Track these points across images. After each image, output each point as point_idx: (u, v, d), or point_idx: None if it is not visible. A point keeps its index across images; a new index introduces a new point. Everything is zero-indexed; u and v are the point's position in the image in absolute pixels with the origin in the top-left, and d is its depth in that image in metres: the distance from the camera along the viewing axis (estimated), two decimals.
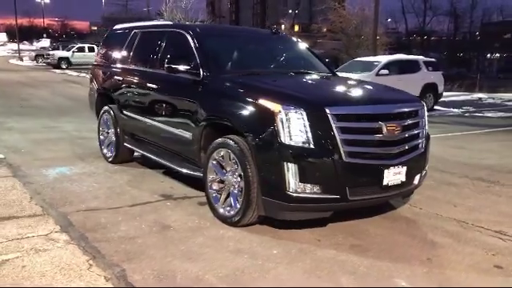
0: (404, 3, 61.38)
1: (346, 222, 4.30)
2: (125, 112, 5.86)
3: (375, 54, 17.53)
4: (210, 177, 4.38)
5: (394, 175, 3.90)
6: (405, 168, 3.98)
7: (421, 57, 15.31)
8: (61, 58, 32.54)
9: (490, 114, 14.16)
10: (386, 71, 12.94)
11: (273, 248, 3.74)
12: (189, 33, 4.99)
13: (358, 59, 15.49)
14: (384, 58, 14.24)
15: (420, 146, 4.20)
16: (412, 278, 3.29)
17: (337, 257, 3.62)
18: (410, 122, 4.08)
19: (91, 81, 7.01)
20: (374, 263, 3.52)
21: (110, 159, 6.24)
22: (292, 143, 3.65)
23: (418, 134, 4.19)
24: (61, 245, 3.66)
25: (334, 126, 3.65)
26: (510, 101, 18.42)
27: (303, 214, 3.90)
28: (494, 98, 19.19)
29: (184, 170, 4.85)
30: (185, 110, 4.71)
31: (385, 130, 3.84)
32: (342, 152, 3.66)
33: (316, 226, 4.15)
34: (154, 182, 5.56)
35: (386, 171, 3.84)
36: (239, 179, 4.08)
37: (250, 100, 3.95)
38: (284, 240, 3.90)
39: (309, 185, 3.66)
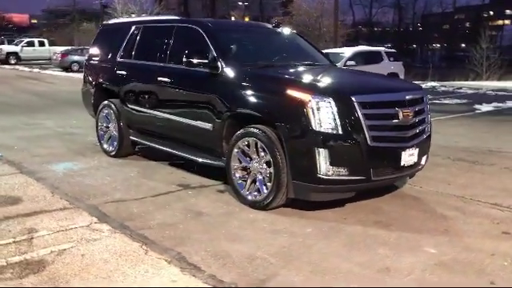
0: None
1: (360, 201, 4.66)
2: (130, 106, 5.96)
3: (335, 46, 18.13)
4: (234, 165, 4.62)
5: (408, 156, 4.31)
6: (416, 150, 4.39)
7: (382, 48, 16.05)
8: (9, 53, 31.24)
9: (447, 101, 15.05)
10: (352, 62, 13.52)
11: (306, 227, 4.05)
12: (202, 28, 5.18)
13: (324, 51, 15.98)
14: (349, 50, 14.83)
15: (426, 129, 4.63)
16: (439, 247, 3.69)
17: (366, 232, 3.98)
18: (419, 107, 4.50)
19: (86, 76, 7.02)
20: (400, 235, 3.91)
21: (113, 153, 6.32)
22: (322, 130, 3.96)
23: (425, 118, 4.61)
24: (107, 234, 3.81)
25: (359, 112, 4.00)
26: (460, 88, 19.59)
27: (330, 195, 4.24)
28: (445, 86, 20.33)
29: (200, 160, 5.07)
30: (203, 102, 4.92)
31: (401, 115, 4.23)
32: (367, 136, 4.01)
33: (335, 206, 4.50)
34: (163, 173, 5.73)
35: (402, 153, 4.24)
36: (265, 166, 4.35)
37: (278, 91, 4.23)
38: (312, 220, 4.22)
39: (338, 168, 3.99)
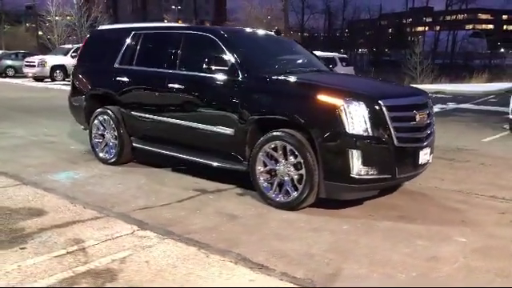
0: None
1: (374, 199, 4.97)
2: (134, 112, 5.92)
3: None
4: (259, 168, 4.78)
5: (424, 155, 4.69)
6: (429, 149, 4.79)
7: (336, 53, 16.73)
8: None
9: None
10: None
11: (340, 225, 4.30)
12: (217, 35, 5.29)
13: None
14: None
15: (433, 130, 5.05)
16: (466, 236, 4.08)
17: (396, 226, 4.30)
18: (428, 110, 4.90)
19: (75, 83, 6.84)
20: (428, 228, 4.27)
21: (112, 161, 6.23)
22: (355, 132, 4.24)
23: (432, 121, 5.03)
24: (157, 240, 3.84)
25: (387, 115, 4.32)
26: None
27: (358, 194, 4.53)
28: None
29: (216, 164, 5.17)
30: (223, 107, 5.04)
31: (418, 117, 4.61)
32: (394, 138, 4.34)
33: (355, 204, 4.78)
34: (172, 178, 5.75)
35: (420, 152, 4.61)
36: (293, 168, 4.56)
37: (309, 96, 4.46)
38: (342, 218, 4.48)
39: (369, 167, 4.29)
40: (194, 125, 5.31)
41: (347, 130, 4.22)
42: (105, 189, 5.29)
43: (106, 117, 6.26)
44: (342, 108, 4.24)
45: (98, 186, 5.38)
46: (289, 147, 4.52)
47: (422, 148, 4.64)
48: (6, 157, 6.75)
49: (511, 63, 52.88)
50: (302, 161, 4.44)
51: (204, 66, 5.10)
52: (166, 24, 6.26)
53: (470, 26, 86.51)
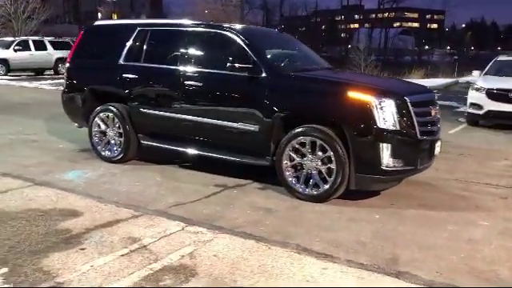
0: None
1: (387, 190, 5.29)
2: (144, 110, 5.87)
3: None
4: (286, 163, 4.95)
5: (437, 147, 5.08)
6: (440, 142, 5.18)
7: None
8: None
9: None
10: None
11: (372, 214, 4.59)
12: (235, 33, 5.37)
13: None
14: None
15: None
16: (487, 220, 4.51)
17: (421, 213, 4.66)
18: (437, 106, 5.30)
19: (70, 80, 6.64)
20: (450, 214, 4.66)
21: (117, 158, 6.14)
22: (385, 127, 4.53)
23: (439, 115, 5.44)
24: (212, 235, 3.92)
25: (412, 111, 4.64)
26: None
27: (385, 185, 4.84)
28: None
29: (239, 160, 5.29)
30: (246, 104, 5.15)
31: (433, 112, 4.99)
32: (417, 131, 4.68)
33: (372, 195, 5.08)
34: (186, 175, 5.79)
35: (436, 144, 4.99)
36: (320, 162, 4.79)
37: (339, 93, 4.70)
38: (370, 208, 4.77)
39: (397, 160, 4.60)
40: (214, 121, 5.38)
41: (378, 124, 4.50)
42: (124, 187, 5.24)
43: (109, 114, 6.15)
44: (373, 104, 4.51)
45: (116, 185, 5.32)
46: (319, 142, 4.72)
47: (436, 141, 5.01)
48: None
49: (438, 59, 56.15)
50: (332, 155, 4.66)
51: (224, 63, 5.19)
52: (174, 21, 6.17)
53: (398, 24, 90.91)
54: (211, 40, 5.60)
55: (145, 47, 5.99)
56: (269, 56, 5.34)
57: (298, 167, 4.95)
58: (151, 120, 5.86)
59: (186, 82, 5.52)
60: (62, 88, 6.89)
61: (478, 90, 10.58)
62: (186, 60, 5.60)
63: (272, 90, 5.02)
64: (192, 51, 5.59)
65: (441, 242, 3.95)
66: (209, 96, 5.46)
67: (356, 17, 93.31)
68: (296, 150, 4.90)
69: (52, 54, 22.61)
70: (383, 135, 4.52)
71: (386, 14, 79.25)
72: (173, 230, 4.00)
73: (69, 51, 22.16)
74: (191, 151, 5.66)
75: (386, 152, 4.53)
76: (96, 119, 6.28)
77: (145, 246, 3.66)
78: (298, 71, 5.30)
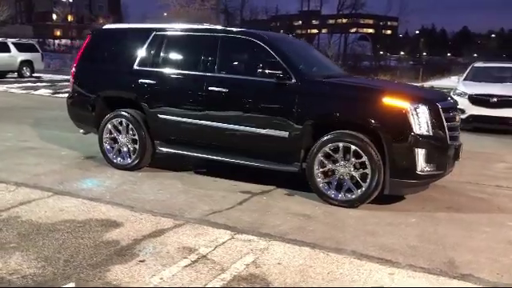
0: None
1: (411, 194, 5.41)
2: (163, 116, 5.73)
3: None
4: (317, 168, 4.98)
5: (460, 152, 5.24)
6: (462, 146, 5.35)
7: None
8: None
9: None
10: None
11: (407, 218, 4.68)
12: (261, 39, 5.36)
13: None
14: None
15: None
16: None
17: (452, 216, 4.80)
18: (458, 112, 5.47)
19: (78, 85, 6.42)
20: (478, 216, 4.83)
21: (131, 166, 5.98)
22: (420, 133, 4.64)
23: None
24: (265, 242, 3.89)
25: (443, 116, 4.78)
26: None
27: (417, 189, 4.95)
28: None
29: (267, 166, 5.29)
30: (276, 111, 5.15)
31: (457, 118, 5.16)
32: (447, 136, 4.83)
33: (397, 200, 5.19)
34: (207, 182, 5.72)
35: (460, 148, 5.15)
36: (352, 168, 4.85)
37: (375, 99, 4.79)
38: (403, 212, 4.87)
39: (430, 164, 4.72)
40: (240, 128, 5.33)
41: (414, 130, 4.61)
42: (150, 195, 5.11)
43: (122, 120, 5.99)
44: (409, 110, 4.61)
45: (141, 193, 5.18)
46: (353, 148, 4.78)
47: (460, 145, 5.17)
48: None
49: (395, 65, 57.83)
50: (366, 160, 4.72)
51: (250, 69, 5.19)
52: (194, 26, 6.07)
53: (354, 30, 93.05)
54: (235, 46, 5.56)
55: (162, 52, 5.87)
56: (297, 62, 5.35)
57: (329, 173, 4.98)
58: (171, 126, 5.74)
59: (211, 88, 5.45)
60: (68, 93, 6.63)
61: (460, 95, 10.98)
62: (210, 66, 5.53)
63: (303, 95, 5.03)
64: (216, 57, 5.51)
65: (484, 243, 4.09)
66: (235, 102, 5.42)
67: (314, 22, 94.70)
68: (328, 156, 4.94)
69: (15, 56, 21.71)
70: (419, 141, 4.63)
71: (343, 20, 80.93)
72: (224, 239, 3.94)
73: (36, 53, 21.48)
74: (214, 157, 5.59)
75: (421, 157, 4.65)
76: (108, 125, 6.10)
77: (204, 256, 3.59)
78: (325, 77, 5.34)
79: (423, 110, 4.66)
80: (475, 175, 6.56)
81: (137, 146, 5.95)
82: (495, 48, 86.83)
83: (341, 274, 3.38)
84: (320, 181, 4.99)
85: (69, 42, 57.32)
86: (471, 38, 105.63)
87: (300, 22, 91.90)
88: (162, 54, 5.86)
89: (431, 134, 4.70)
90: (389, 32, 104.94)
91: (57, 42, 60.06)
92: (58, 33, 70.10)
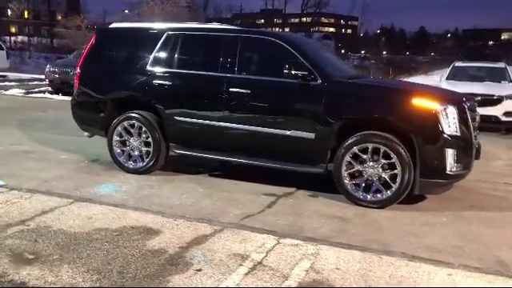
0: None
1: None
2: (181, 118, 5.56)
3: None
4: (345, 169, 4.96)
5: (480, 151, 5.34)
6: (481, 145, 5.44)
7: None
8: None
9: None
10: None
11: (438, 217, 4.73)
12: (284, 40, 5.29)
13: None
14: None
15: None
16: None
17: (478, 215, 4.89)
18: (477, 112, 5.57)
19: (84, 86, 6.15)
20: (503, 214, 4.95)
21: (144, 169, 5.79)
22: (450, 133, 4.70)
23: None
24: (313, 247, 3.82)
25: (469, 116, 4.86)
26: None
27: (445, 189, 5.01)
28: None
29: (292, 168, 5.24)
30: (302, 112, 5.11)
31: (477, 118, 5.26)
32: (473, 136, 4.91)
33: (420, 200, 5.23)
34: (227, 185, 5.61)
35: (480, 148, 5.25)
36: (381, 169, 4.86)
37: (407, 101, 4.81)
38: (431, 211, 4.92)
39: (459, 164, 4.79)
40: (263, 129, 5.24)
41: (444, 130, 4.66)
42: (174, 200, 4.96)
43: (134, 122, 5.79)
44: (440, 111, 4.66)
45: (164, 198, 5.02)
46: (383, 148, 4.79)
47: (480, 145, 5.27)
48: (1, 171, 5.81)
49: (358, 63, 58.87)
50: (396, 161, 4.74)
51: (274, 70, 5.13)
52: (211, 26, 5.92)
53: (315, 29, 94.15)
54: (256, 47, 5.48)
55: (177, 52, 5.70)
56: (322, 63, 5.31)
57: (356, 174, 4.97)
58: (189, 128, 5.58)
59: (232, 90, 5.33)
60: (73, 95, 6.35)
61: None
62: (230, 66, 5.40)
63: (330, 96, 5.00)
64: (237, 58, 5.38)
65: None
66: (257, 103, 5.32)
67: (277, 21, 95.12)
68: (355, 157, 4.93)
69: None
70: (448, 141, 4.68)
71: (305, 19, 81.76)
72: (270, 244, 3.86)
73: (1, 51, 20.48)
74: (235, 160, 5.49)
75: (450, 157, 4.70)
76: (118, 128, 5.88)
77: (260, 263, 3.50)
78: (349, 78, 5.33)
79: (452, 111, 4.72)
80: (482, 173, 6.66)
81: (150, 149, 5.77)
82: (451, 47, 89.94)
83: (402, 277, 3.37)
84: (348, 182, 4.97)
85: (25, 38, 55.20)
86: (428, 37, 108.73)
87: (262, 20, 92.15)
88: (177, 55, 5.70)
89: (459, 134, 4.76)
90: (349, 31, 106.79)
91: (13, 38, 57.75)
92: (14, 29, 67.42)
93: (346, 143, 4.91)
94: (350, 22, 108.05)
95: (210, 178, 5.92)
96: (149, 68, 5.77)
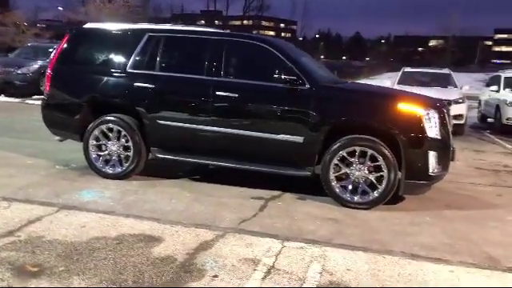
0: None
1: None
2: (163, 122, 5.44)
3: None
4: (333, 172, 5.09)
5: (454, 153, 5.61)
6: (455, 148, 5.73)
7: None
8: None
9: None
10: None
11: (420, 217, 4.95)
12: (271, 45, 5.33)
13: None
14: None
15: None
16: (511, 215, 5.18)
17: (458, 214, 5.17)
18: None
19: (56, 88, 5.88)
20: (481, 212, 5.29)
21: (124, 173, 5.63)
22: (432, 136, 4.94)
23: None
24: (319, 249, 3.89)
25: (448, 121, 5.14)
26: None
27: (424, 189, 5.25)
28: None
29: (280, 171, 5.30)
30: (290, 116, 5.17)
31: (452, 122, 5.57)
32: (451, 139, 5.19)
33: (397, 201, 5.46)
34: (212, 189, 5.55)
35: (454, 150, 5.55)
36: (367, 171, 5.04)
37: (393, 105, 5.00)
38: (411, 211, 5.13)
39: (440, 166, 5.04)
40: (251, 133, 5.25)
41: (428, 134, 4.89)
42: (164, 205, 4.87)
43: (113, 126, 5.61)
44: (423, 115, 4.89)
45: (153, 204, 4.91)
46: (370, 152, 4.95)
47: (454, 147, 5.58)
48: None
49: None
50: (382, 163, 4.92)
51: (262, 74, 5.18)
52: (195, 28, 5.80)
53: (255, 32, 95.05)
54: (245, 51, 5.47)
55: (159, 55, 5.58)
56: (308, 68, 5.40)
57: (343, 176, 5.11)
58: (173, 132, 5.47)
59: (219, 93, 5.30)
60: (43, 97, 6.05)
61: None
62: (216, 70, 5.37)
63: (318, 101, 5.10)
64: (223, 61, 5.35)
65: (506, 238, 4.44)
66: (245, 107, 5.33)
67: (216, 22, 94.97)
68: (342, 160, 5.06)
69: None
70: (431, 143, 4.92)
71: (246, 22, 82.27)
72: (277, 247, 3.89)
73: None
74: (223, 164, 5.46)
75: (433, 159, 4.94)
76: (95, 132, 5.68)
77: (273, 267, 3.52)
78: (333, 83, 5.46)
79: (433, 115, 4.96)
80: (461, 176, 6.98)
81: (130, 153, 5.61)
82: (384, 52, 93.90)
83: (410, 275, 3.51)
84: (335, 184, 5.09)
85: None
86: (363, 42, 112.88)
87: (203, 21, 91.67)
88: (159, 57, 5.58)
89: (440, 137, 5.01)
90: (289, 35, 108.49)
91: None
92: None
93: (334, 146, 5.03)
94: (289, 26, 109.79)
95: (192, 181, 5.85)
96: (129, 70, 5.62)
